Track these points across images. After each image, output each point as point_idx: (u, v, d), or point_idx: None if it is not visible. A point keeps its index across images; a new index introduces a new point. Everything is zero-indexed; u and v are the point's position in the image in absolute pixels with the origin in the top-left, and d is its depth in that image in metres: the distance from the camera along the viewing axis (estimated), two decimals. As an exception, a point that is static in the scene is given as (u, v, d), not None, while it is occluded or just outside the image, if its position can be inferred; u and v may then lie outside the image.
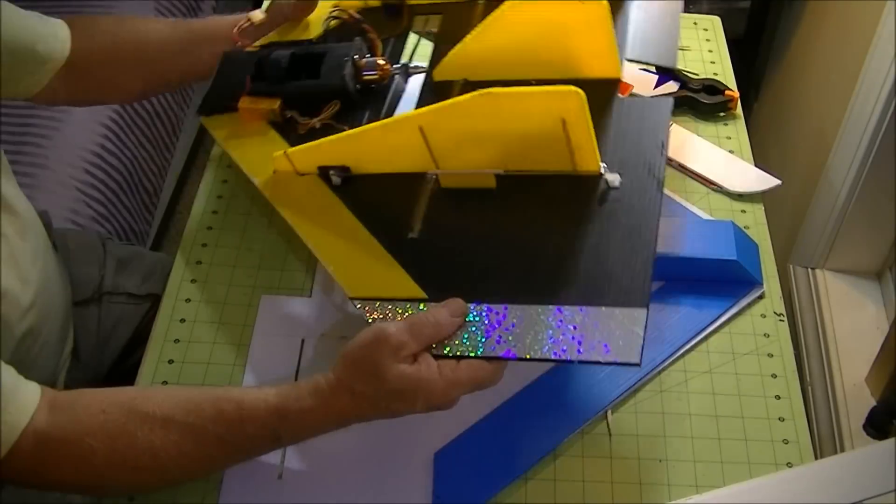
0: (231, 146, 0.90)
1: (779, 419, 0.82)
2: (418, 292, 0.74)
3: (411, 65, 0.92)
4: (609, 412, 0.82)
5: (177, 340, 0.88)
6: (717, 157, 1.03)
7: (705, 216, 0.96)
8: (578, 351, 0.67)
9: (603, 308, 0.69)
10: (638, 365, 0.66)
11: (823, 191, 1.33)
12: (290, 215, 0.83)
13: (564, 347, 0.68)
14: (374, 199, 0.81)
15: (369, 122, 0.85)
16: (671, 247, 0.88)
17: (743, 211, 0.99)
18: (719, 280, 0.89)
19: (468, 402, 0.82)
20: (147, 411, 0.69)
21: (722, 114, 1.08)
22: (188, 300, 0.91)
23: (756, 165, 1.03)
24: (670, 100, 0.82)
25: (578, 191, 0.77)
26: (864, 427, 1.19)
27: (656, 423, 0.82)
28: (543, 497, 0.78)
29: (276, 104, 0.88)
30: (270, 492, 0.78)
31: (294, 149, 0.83)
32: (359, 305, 0.75)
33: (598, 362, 0.67)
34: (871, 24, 1.18)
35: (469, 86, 0.86)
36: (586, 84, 0.72)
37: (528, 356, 0.68)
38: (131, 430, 0.69)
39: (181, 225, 1.87)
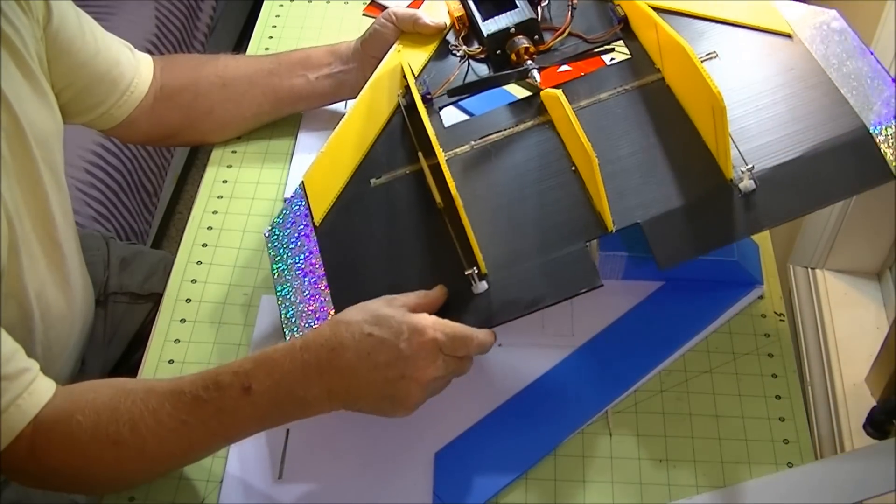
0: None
1: (779, 419, 0.82)
2: (323, 209, 0.85)
3: (534, 69, 0.88)
4: (609, 412, 0.82)
5: (177, 340, 0.88)
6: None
7: (705, 216, 0.96)
8: None
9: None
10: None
11: (823, 191, 1.33)
12: (364, 94, 0.91)
13: None
14: (404, 136, 0.88)
15: (488, 79, 0.90)
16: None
17: (743, 211, 0.99)
18: (719, 280, 0.89)
19: (468, 402, 0.82)
20: (132, 387, 0.71)
21: (722, 114, 1.08)
22: (188, 300, 0.91)
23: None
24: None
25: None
26: (864, 427, 1.19)
27: (656, 423, 0.82)
28: (543, 497, 0.78)
29: (461, 12, 0.94)
30: (270, 492, 0.78)
31: (403, 48, 0.93)
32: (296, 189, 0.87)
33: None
34: (872, 23, 1.18)
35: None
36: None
37: None
38: (115, 405, 0.70)
39: (181, 225, 1.87)
